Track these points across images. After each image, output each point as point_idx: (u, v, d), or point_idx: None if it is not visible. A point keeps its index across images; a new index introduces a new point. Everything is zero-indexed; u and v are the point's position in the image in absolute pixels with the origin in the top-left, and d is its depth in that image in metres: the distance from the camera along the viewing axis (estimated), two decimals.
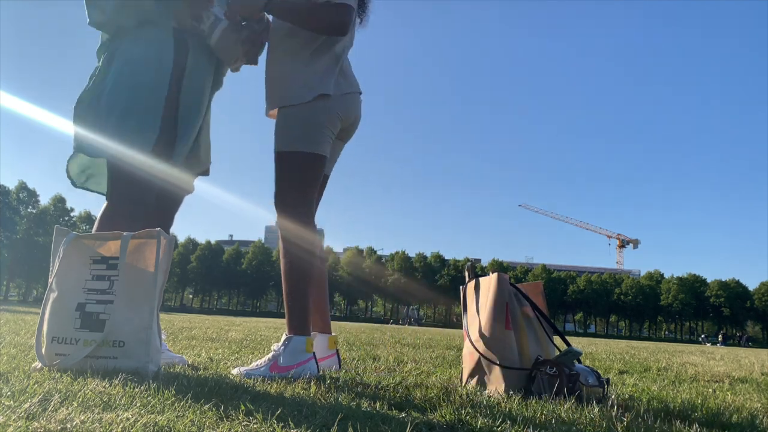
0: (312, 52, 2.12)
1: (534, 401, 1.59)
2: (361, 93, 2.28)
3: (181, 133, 2.16)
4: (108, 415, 1.06)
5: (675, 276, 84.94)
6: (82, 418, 1.03)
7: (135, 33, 2.12)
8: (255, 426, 1.07)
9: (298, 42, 2.13)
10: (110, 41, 2.15)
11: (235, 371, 1.96)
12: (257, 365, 1.96)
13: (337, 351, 2.29)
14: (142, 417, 1.06)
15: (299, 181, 2.08)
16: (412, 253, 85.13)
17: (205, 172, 2.42)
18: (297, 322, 2.00)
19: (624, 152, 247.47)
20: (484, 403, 1.52)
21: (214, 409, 1.18)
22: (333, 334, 2.30)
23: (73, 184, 2.26)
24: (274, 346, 2.00)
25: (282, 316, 62.59)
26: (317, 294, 2.24)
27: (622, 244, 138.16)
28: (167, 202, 2.31)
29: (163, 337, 2.53)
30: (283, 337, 2.00)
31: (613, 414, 1.45)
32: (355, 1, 2.10)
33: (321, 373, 2.03)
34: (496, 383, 1.83)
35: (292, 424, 1.10)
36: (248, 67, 2.42)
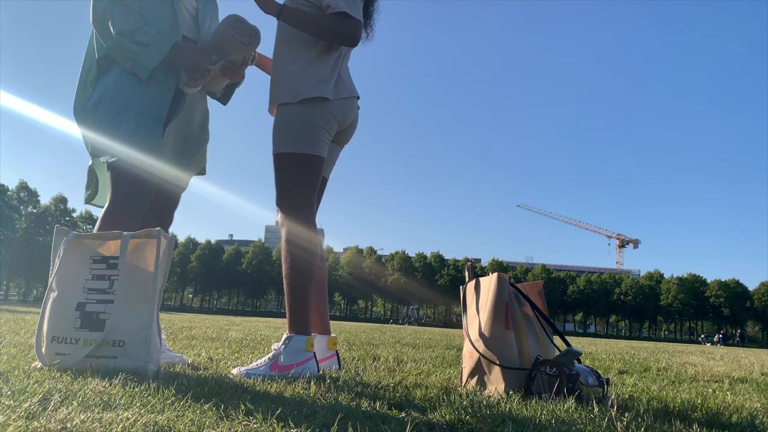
0: (315, 55, 2.14)
1: (534, 401, 1.59)
2: (358, 97, 2.29)
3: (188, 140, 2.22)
4: (108, 415, 1.06)
5: (675, 276, 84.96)
6: (82, 417, 1.03)
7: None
8: (255, 426, 1.07)
9: (302, 43, 2.15)
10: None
11: (234, 371, 1.96)
12: (257, 365, 1.97)
13: (337, 352, 2.29)
14: (142, 416, 1.06)
15: (298, 182, 2.08)
16: (412, 253, 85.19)
17: (202, 172, 2.44)
18: (298, 321, 2.01)
19: (624, 152, 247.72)
20: (484, 403, 1.52)
21: (214, 408, 1.18)
22: (333, 335, 2.31)
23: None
24: (275, 346, 2.01)
25: (282, 315, 62.58)
26: (317, 295, 2.24)
27: (622, 244, 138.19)
28: (166, 200, 2.32)
29: (163, 336, 2.54)
30: (284, 337, 2.01)
31: (613, 414, 1.45)
32: (361, 14, 2.13)
33: (321, 373, 2.03)
34: (496, 383, 1.83)
35: (292, 424, 1.10)
36: (250, 68, 2.45)
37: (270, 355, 1.99)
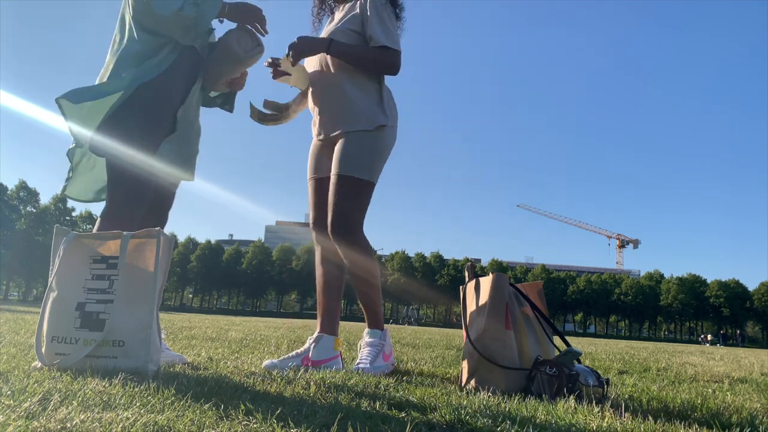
0: (377, 85, 2.35)
1: (534, 401, 1.59)
2: None
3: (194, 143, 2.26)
4: (108, 415, 1.06)
5: (675, 276, 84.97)
6: (82, 417, 1.03)
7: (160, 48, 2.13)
8: (255, 426, 1.07)
9: (363, 73, 2.34)
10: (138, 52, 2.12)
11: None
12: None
13: (340, 352, 2.36)
14: (141, 416, 1.06)
15: (361, 206, 2.26)
16: (411, 253, 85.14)
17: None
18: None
19: (624, 152, 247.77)
20: (484, 403, 1.52)
21: (214, 408, 1.18)
22: (338, 336, 2.41)
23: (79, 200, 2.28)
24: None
25: (281, 315, 62.77)
26: (336, 299, 2.44)
27: (622, 244, 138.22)
28: (162, 199, 2.32)
29: (163, 336, 2.54)
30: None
31: (613, 414, 1.45)
32: (399, 43, 2.34)
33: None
34: (496, 383, 1.82)
35: (292, 424, 1.10)
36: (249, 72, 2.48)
37: (373, 349, 2.30)
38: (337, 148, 2.29)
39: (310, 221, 2.47)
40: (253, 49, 2.27)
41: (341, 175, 2.23)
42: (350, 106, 2.28)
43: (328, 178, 2.39)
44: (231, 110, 2.56)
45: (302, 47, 2.29)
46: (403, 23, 2.46)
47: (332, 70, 2.34)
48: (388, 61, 2.28)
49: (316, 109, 2.40)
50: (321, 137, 2.40)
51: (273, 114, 2.53)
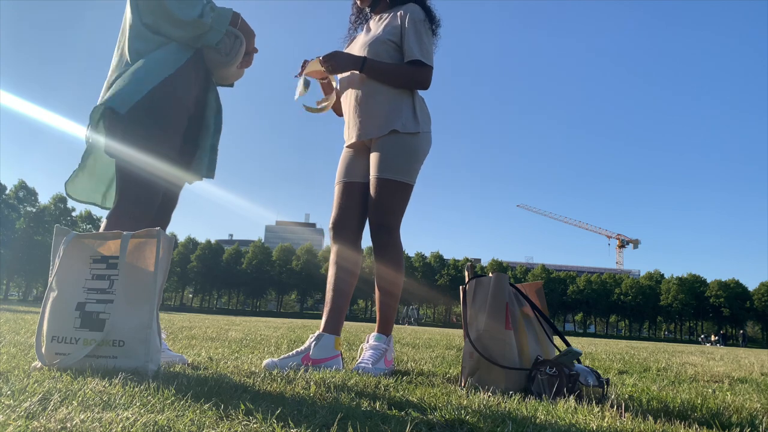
0: (409, 92, 2.42)
1: (534, 401, 1.59)
2: None
3: (201, 144, 2.28)
4: (108, 415, 1.06)
5: (675, 276, 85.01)
6: (82, 417, 1.03)
7: (166, 49, 2.13)
8: (255, 425, 1.07)
9: None
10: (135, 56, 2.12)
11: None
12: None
13: (341, 352, 2.35)
14: (141, 416, 1.06)
15: (398, 207, 2.39)
16: (411, 253, 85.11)
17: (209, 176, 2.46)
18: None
19: (624, 152, 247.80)
20: (484, 403, 1.52)
21: (214, 408, 1.18)
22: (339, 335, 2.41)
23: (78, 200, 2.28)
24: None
25: (281, 315, 62.90)
26: (344, 300, 2.46)
27: (622, 244, 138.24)
28: (167, 200, 2.32)
29: (163, 336, 2.54)
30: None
31: (613, 414, 1.45)
32: (433, 58, 2.44)
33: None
34: (496, 383, 1.83)
35: (291, 424, 1.10)
36: (248, 72, 2.53)
37: (375, 352, 2.30)
38: (373, 153, 2.38)
39: (330, 222, 2.52)
40: (233, 48, 2.27)
41: (379, 178, 2.33)
42: (382, 113, 2.35)
43: (357, 182, 2.48)
44: (232, 85, 2.58)
45: (339, 62, 2.36)
46: (438, 39, 2.53)
47: (364, 79, 2.41)
48: (418, 77, 2.36)
49: (349, 114, 2.47)
50: (352, 142, 2.48)
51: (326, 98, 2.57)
